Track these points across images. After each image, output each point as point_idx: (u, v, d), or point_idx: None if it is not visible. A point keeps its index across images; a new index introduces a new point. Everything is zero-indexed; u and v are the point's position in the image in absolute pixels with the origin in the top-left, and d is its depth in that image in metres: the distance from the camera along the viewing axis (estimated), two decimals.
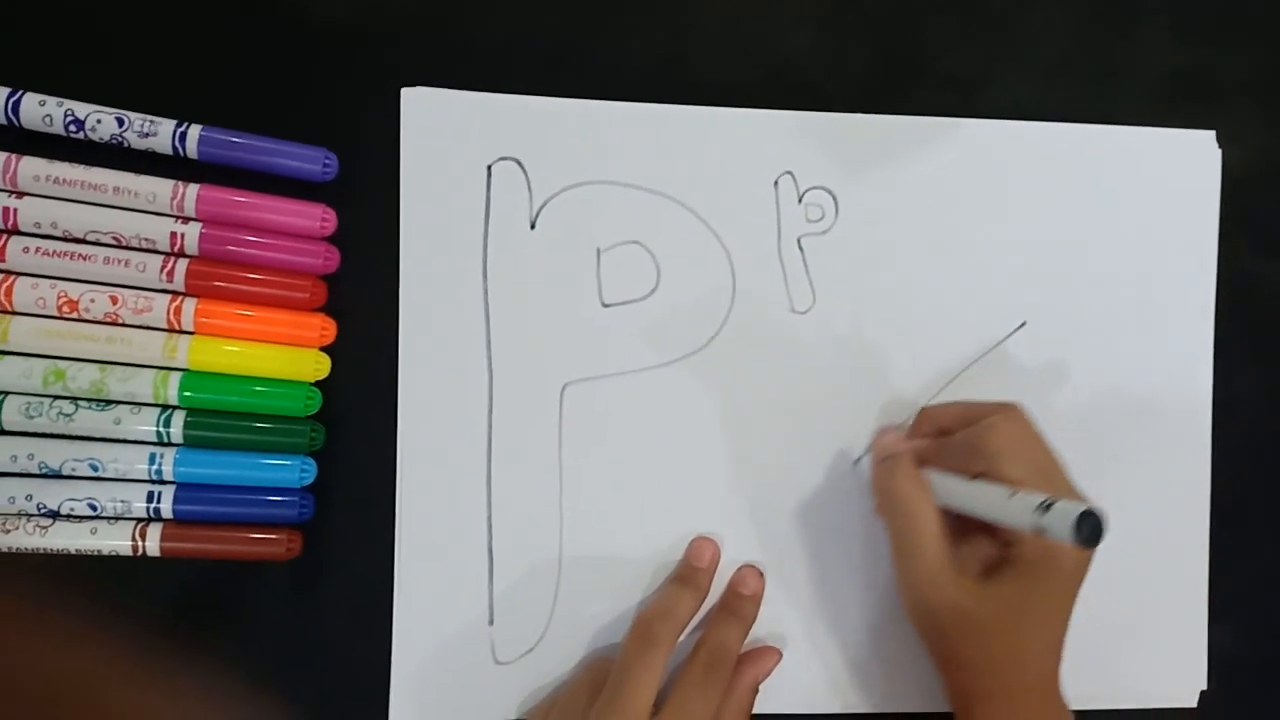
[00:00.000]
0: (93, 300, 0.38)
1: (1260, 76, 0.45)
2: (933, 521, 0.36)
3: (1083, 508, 0.30)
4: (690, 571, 0.40)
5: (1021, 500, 0.32)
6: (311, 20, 0.41)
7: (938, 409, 0.41)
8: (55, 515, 0.38)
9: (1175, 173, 0.44)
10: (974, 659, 0.35)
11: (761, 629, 0.41)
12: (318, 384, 0.39)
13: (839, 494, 0.42)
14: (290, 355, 0.39)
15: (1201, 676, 0.44)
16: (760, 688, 0.40)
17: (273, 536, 0.39)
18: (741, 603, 0.40)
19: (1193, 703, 0.44)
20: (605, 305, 0.41)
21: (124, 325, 0.38)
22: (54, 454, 0.37)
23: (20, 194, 0.38)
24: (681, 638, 0.39)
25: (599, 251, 0.41)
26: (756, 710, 0.40)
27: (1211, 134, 0.44)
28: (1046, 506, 0.31)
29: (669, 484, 0.41)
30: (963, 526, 0.37)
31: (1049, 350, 0.43)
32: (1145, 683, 0.44)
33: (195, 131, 0.38)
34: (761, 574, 0.41)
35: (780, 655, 0.41)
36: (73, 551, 0.37)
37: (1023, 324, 0.43)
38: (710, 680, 0.38)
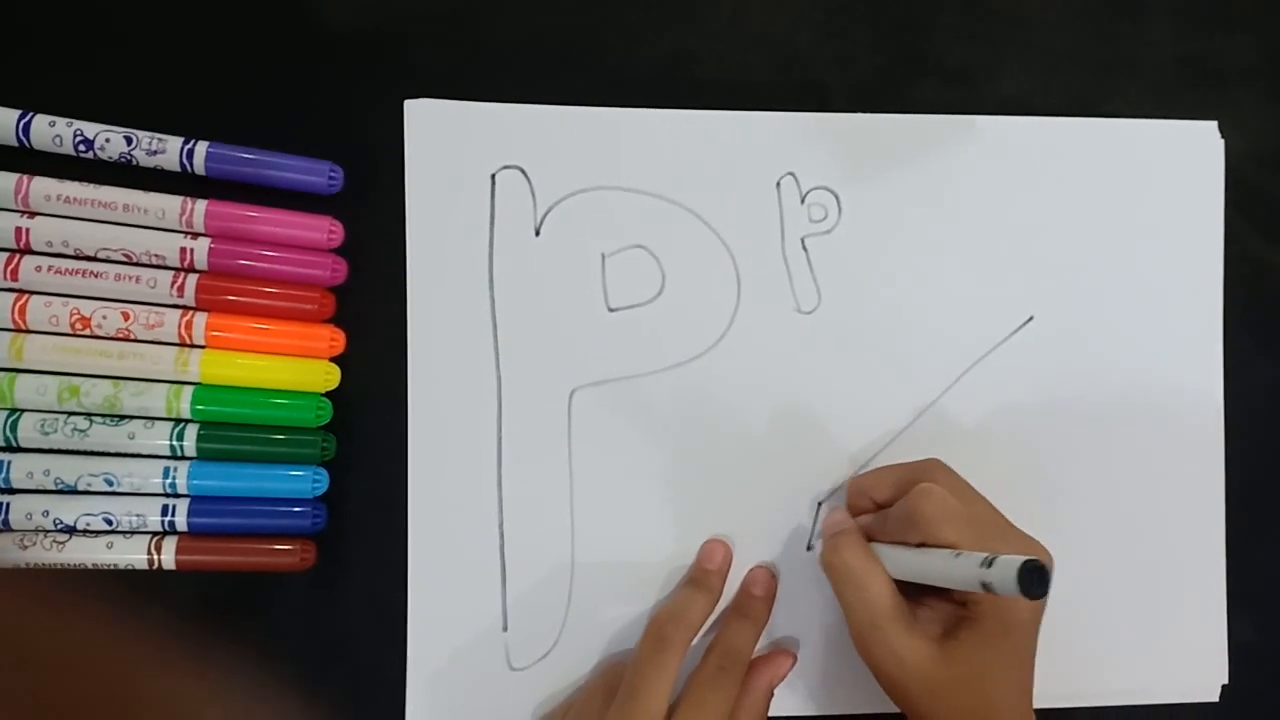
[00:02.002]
0: (105, 317, 0.38)
1: (1266, 62, 0.45)
2: (886, 591, 0.36)
3: (1022, 560, 0.30)
4: (702, 574, 0.40)
5: (965, 561, 0.32)
6: (316, 34, 0.41)
7: (866, 480, 0.40)
8: (72, 530, 0.38)
9: (1179, 164, 0.44)
10: (941, 715, 0.35)
11: (775, 632, 0.41)
12: (328, 394, 0.40)
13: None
14: (300, 366, 0.39)
15: (1223, 670, 0.43)
16: (775, 691, 0.40)
17: (287, 547, 0.39)
18: (754, 604, 0.40)
19: (1214, 697, 0.43)
20: (611, 310, 0.42)
21: (136, 341, 0.38)
22: (69, 470, 0.38)
23: (32, 214, 0.38)
24: (695, 640, 0.39)
25: (604, 256, 0.42)
26: (771, 713, 0.40)
27: (1214, 124, 0.44)
28: (989, 563, 0.31)
29: (680, 487, 0.42)
30: (918, 592, 0.36)
31: (1056, 345, 0.43)
32: (1166, 678, 0.43)
33: (202, 148, 0.39)
34: (774, 575, 0.41)
35: (795, 659, 0.41)
36: (89, 566, 0.38)
37: (1030, 319, 0.43)
38: (724, 681, 0.38)
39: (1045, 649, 0.42)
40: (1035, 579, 0.30)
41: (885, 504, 0.39)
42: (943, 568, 0.34)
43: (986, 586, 0.31)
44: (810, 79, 0.43)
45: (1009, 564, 0.30)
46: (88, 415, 0.38)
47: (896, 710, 0.42)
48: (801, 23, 0.43)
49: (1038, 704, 0.42)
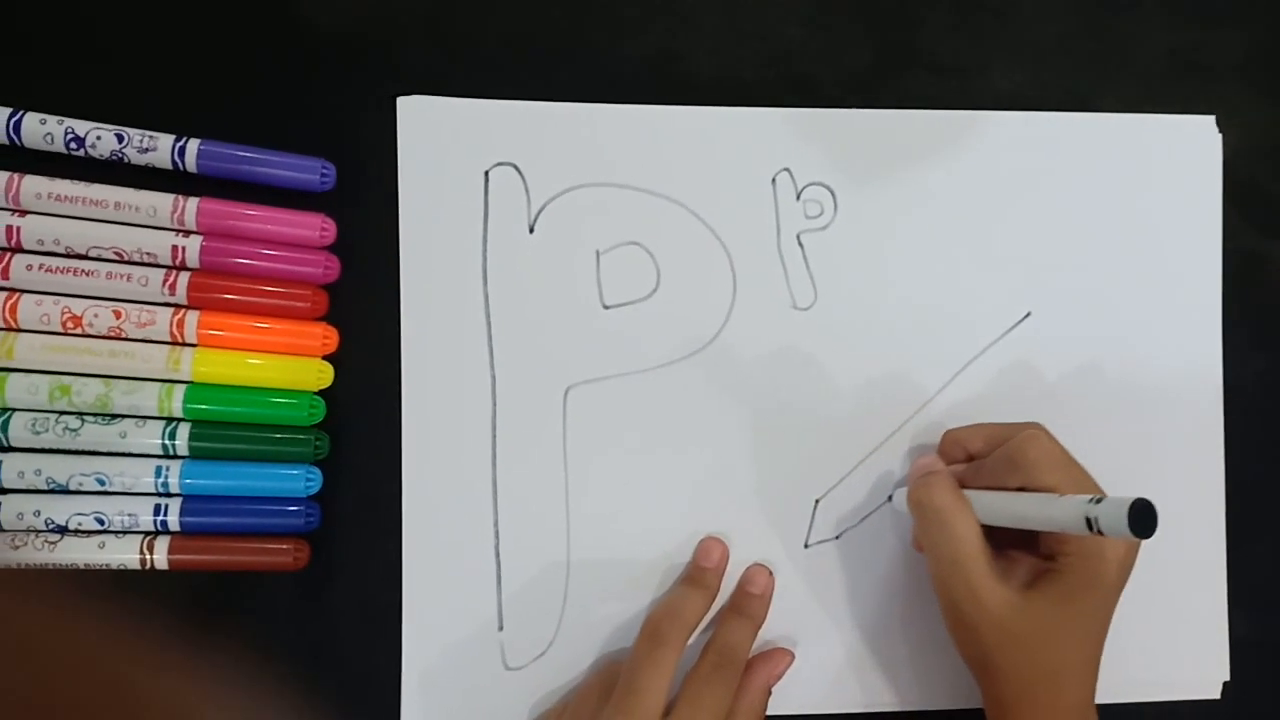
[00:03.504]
0: (96, 315, 0.38)
1: (1258, 56, 0.45)
2: (974, 534, 0.35)
3: (1133, 497, 0.30)
4: (699, 572, 0.40)
5: (1070, 500, 0.32)
6: (306, 32, 0.41)
7: (961, 432, 0.40)
8: (63, 530, 0.38)
9: (1176, 158, 0.44)
10: (1014, 672, 0.35)
11: (772, 630, 0.41)
12: (321, 393, 0.40)
13: (847, 490, 0.42)
14: (293, 365, 0.39)
15: (1224, 667, 0.43)
16: (773, 689, 0.40)
17: (280, 546, 0.39)
18: (751, 602, 0.40)
19: (1216, 694, 0.43)
20: (606, 307, 0.41)
21: (127, 339, 0.38)
22: (61, 469, 0.38)
23: (23, 212, 0.38)
24: (692, 639, 0.39)
25: (598, 254, 0.41)
26: (769, 711, 0.40)
27: (1211, 119, 0.44)
28: (1097, 501, 0.31)
29: (675, 484, 0.41)
30: (1002, 544, 0.36)
31: (1055, 341, 0.43)
32: (1168, 675, 0.43)
33: (194, 145, 0.39)
34: (771, 573, 0.41)
35: (792, 657, 0.41)
36: (81, 566, 0.38)
37: (1027, 315, 0.43)
38: (721, 679, 0.37)
39: None
40: (1146, 517, 0.29)
41: (977, 455, 0.39)
42: (1044, 508, 0.33)
43: (1092, 523, 0.31)
44: (800, 73, 0.43)
45: (1119, 502, 0.30)
46: (79, 414, 0.38)
47: (893, 709, 0.42)
48: (791, 17, 0.43)
49: None
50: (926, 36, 0.44)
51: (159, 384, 0.38)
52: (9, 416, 0.38)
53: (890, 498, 0.42)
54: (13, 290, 0.38)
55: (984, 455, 0.38)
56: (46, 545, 0.37)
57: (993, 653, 0.35)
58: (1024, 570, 0.36)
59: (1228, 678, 0.43)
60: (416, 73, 0.41)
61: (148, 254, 0.38)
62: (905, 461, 0.42)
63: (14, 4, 0.40)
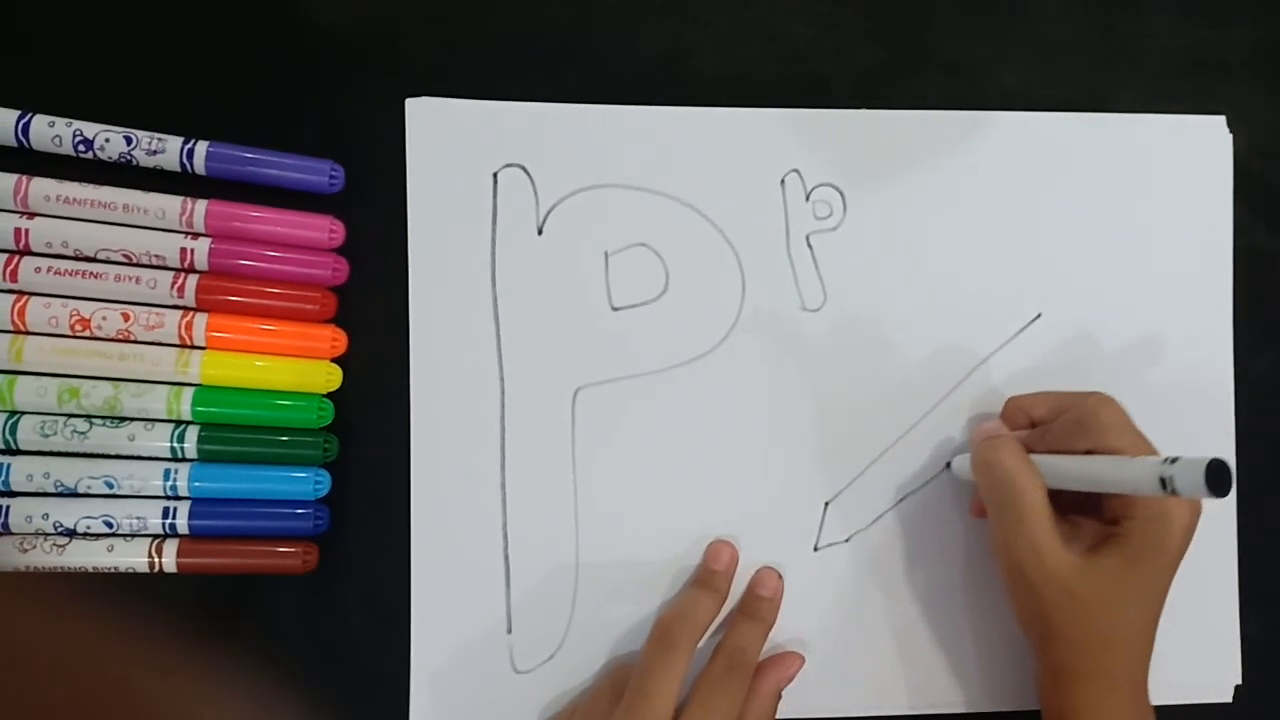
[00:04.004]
0: (105, 318, 0.38)
1: (1270, 55, 0.45)
2: (1038, 494, 0.35)
3: (1210, 457, 0.30)
4: (708, 574, 0.40)
5: (1143, 462, 0.32)
6: (315, 33, 0.41)
7: (1025, 399, 0.40)
8: (72, 533, 0.38)
9: (1187, 159, 0.44)
10: (1072, 635, 0.35)
11: (782, 632, 0.41)
12: (330, 395, 0.39)
13: (857, 492, 0.42)
14: (302, 367, 0.39)
15: (1236, 670, 0.43)
16: (783, 693, 0.40)
17: (289, 549, 0.39)
18: (761, 604, 0.40)
19: (1228, 697, 0.43)
20: (615, 309, 0.41)
21: (136, 342, 0.38)
22: (69, 472, 0.38)
23: (31, 214, 0.38)
24: (702, 642, 0.39)
25: (607, 255, 0.41)
26: (779, 715, 0.40)
27: (1222, 119, 0.44)
28: (1173, 460, 0.31)
29: (685, 487, 0.41)
30: (1064, 510, 0.36)
31: (1066, 342, 0.43)
32: (1179, 677, 0.43)
33: (202, 148, 0.39)
34: (780, 575, 0.41)
35: (802, 660, 0.40)
36: (90, 569, 0.38)
37: (1038, 316, 0.43)
38: (731, 682, 0.37)
39: None
40: (1221, 476, 0.29)
41: (1040, 422, 0.39)
42: (1114, 470, 0.33)
43: (1166, 483, 0.31)
44: (810, 73, 0.43)
45: (1195, 461, 0.30)
46: (88, 417, 0.38)
47: (904, 713, 0.42)
48: (801, 16, 0.43)
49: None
50: (937, 36, 0.43)
51: (167, 387, 0.38)
52: (17, 419, 0.38)
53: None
54: (21, 293, 0.38)
55: (1047, 421, 0.39)
56: (55, 548, 0.37)
57: (1053, 615, 0.35)
58: (1087, 535, 0.36)
59: (1239, 681, 0.43)
60: (425, 74, 0.41)
61: (156, 256, 0.38)
62: (925, 457, 0.42)
63: (20, 6, 0.40)
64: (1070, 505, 0.37)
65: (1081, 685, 0.35)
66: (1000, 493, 0.36)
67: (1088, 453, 0.36)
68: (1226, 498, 0.30)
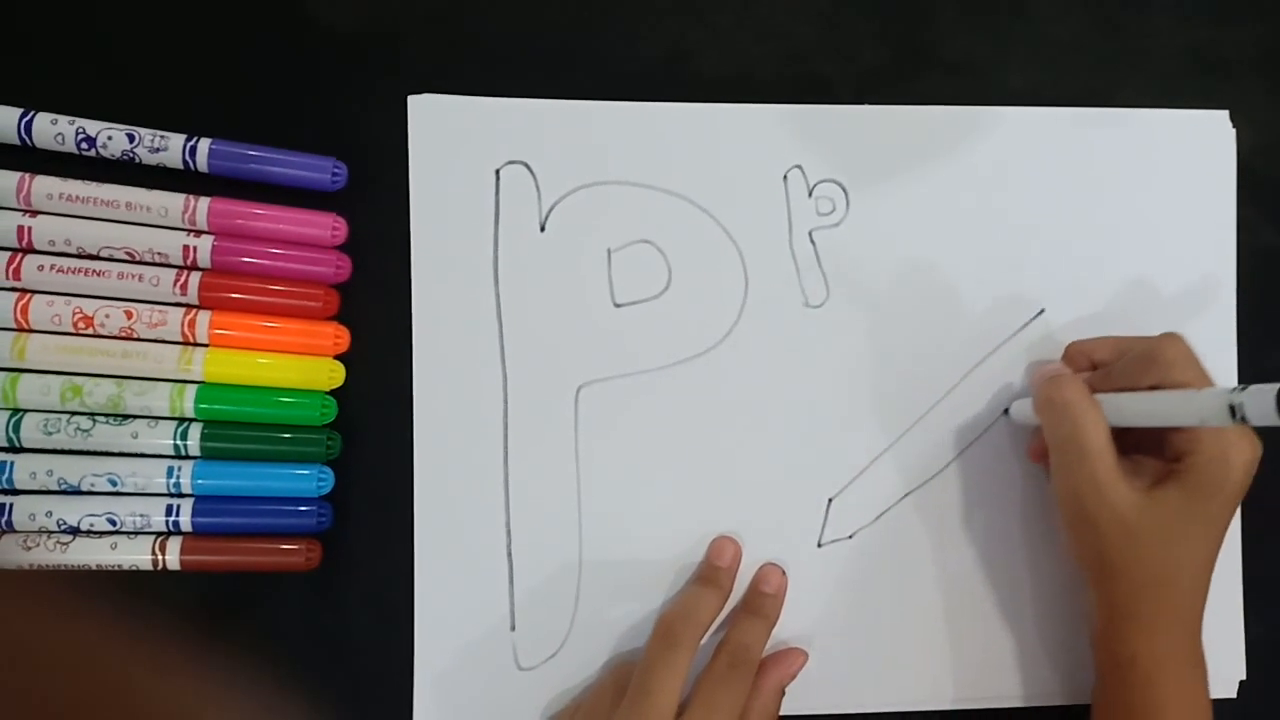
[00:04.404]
0: (108, 315, 0.38)
1: (1274, 52, 0.45)
2: (1101, 429, 0.36)
3: None
4: (712, 571, 0.40)
5: (1212, 391, 0.32)
6: (316, 30, 0.41)
7: (1087, 343, 0.41)
8: (75, 531, 0.38)
9: (1190, 154, 0.44)
10: (1131, 573, 0.35)
11: (785, 629, 0.41)
12: (333, 392, 0.39)
13: (861, 488, 0.42)
14: (305, 364, 0.39)
15: (1240, 666, 0.43)
16: (787, 689, 0.40)
17: (292, 547, 0.39)
18: (764, 601, 0.40)
19: (1233, 693, 0.43)
20: (618, 305, 0.41)
21: (139, 340, 0.38)
22: (73, 470, 0.38)
23: (34, 213, 0.38)
24: (705, 639, 0.38)
25: (609, 252, 0.41)
26: (783, 711, 0.40)
27: (1225, 114, 0.44)
28: (1243, 389, 0.31)
29: (688, 483, 0.41)
30: (1125, 449, 0.37)
31: (1068, 338, 0.43)
32: None
33: (205, 145, 0.39)
34: (784, 572, 0.41)
35: (806, 656, 0.40)
36: (93, 567, 0.38)
37: (1041, 312, 0.43)
38: (734, 679, 0.37)
39: (1058, 645, 0.42)
40: None
41: (1102, 364, 0.39)
42: (1182, 403, 0.34)
43: (1235, 411, 0.31)
44: (814, 71, 0.43)
45: (1266, 388, 0.30)
46: (91, 415, 0.38)
47: (907, 709, 0.42)
48: (804, 15, 0.43)
49: (1054, 700, 0.42)
50: (940, 34, 0.43)
51: (171, 384, 0.38)
52: (21, 417, 0.38)
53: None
54: (24, 291, 0.38)
55: (1109, 364, 0.39)
56: (58, 546, 0.37)
57: (1112, 552, 0.35)
58: (1149, 472, 0.36)
59: (1244, 677, 0.43)
60: (428, 71, 0.41)
61: (159, 254, 0.38)
62: (928, 453, 0.42)
63: (23, 5, 0.40)
64: (1131, 445, 0.37)
65: (1138, 624, 0.36)
66: (1063, 428, 0.36)
67: (1152, 389, 0.36)
68: None
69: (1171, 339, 0.37)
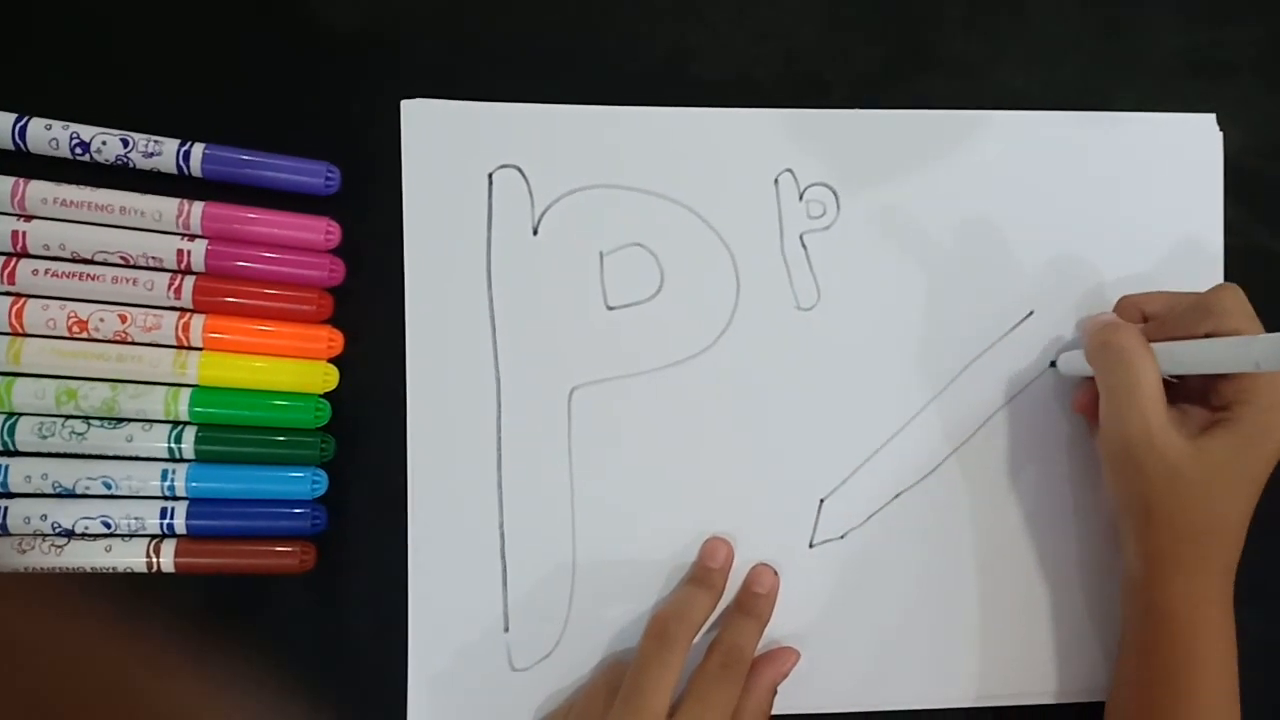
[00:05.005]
0: (102, 319, 0.38)
1: (1269, 53, 0.45)
2: (1154, 374, 0.36)
3: None
4: (704, 572, 0.40)
5: (1269, 338, 0.32)
6: (310, 35, 0.41)
7: (1139, 297, 0.41)
8: (70, 534, 0.38)
9: (1177, 156, 0.44)
10: (1174, 518, 0.36)
11: (777, 629, 0.41)
12: (326, 395, 0.40)
13: (852, 489, 0.42)
14: (299, 368, 0.39)
15: None
16: (779, 688, 0.40)
17: (286, 549, 0.39)
18: (756, 601, 0.40)
19: None
20: (610, 308, 0.41)
21: (133, 343, 0.38)
22: (67, 473, 0.38)
23: (29, 217, 0.38)
24: (697, 639, 0.39)
25: (602, 255, 0.42)
26: (775, 711, 0.40)
27: (1212, 117, 0.44)
28: None
29: (680, 485, 0.41)
30: (1174, 398, 0.37)
31: (1057, 340, 0.43)
32: None
33: (199, 150, 0.39)
34: (776, 572, 0.41)
35: (798, 655, 0.41)
36: (88, 570, 0.38)
37: (1030, 314, 0.43)
38: (726, 678, 0.37)
39: (1050, 643, 0.42)
40: None
41: (1154, 317, 0.40)
42: (1237, 348, 0.34)
43: None
44: (811, 74, 0.43)
45: None
46: (85, 418, 0.38)
47: (899, 708, 0.42)
48: (802, 17, 0.43)
49: (1038, 700, 0.42)
50: (938, 36, 0.44)
51: (165, 388, 0.38)
52: (15, 421, 0.38)
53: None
54: (19, 295, 0.38)
55: (1162, 317, 0.39)
56: (53, 549, 0.38)
57: (1157, 497, 0.36)
58: (1196, 420, 0.37)
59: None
60: (422, 75, 0.41)
61: (153, 258, 0.38)
62: (919, 454, 0.42)
63: (17, 9, 0.40)
64: (1179, 395, 0.37)
65: (1177, 572, 0.36)
66: (1116, 374, 0.36)
67: (1207, 335, 0.36)
68: None
69: (1228, 289, 0.37)
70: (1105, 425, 0.37)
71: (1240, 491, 0.36)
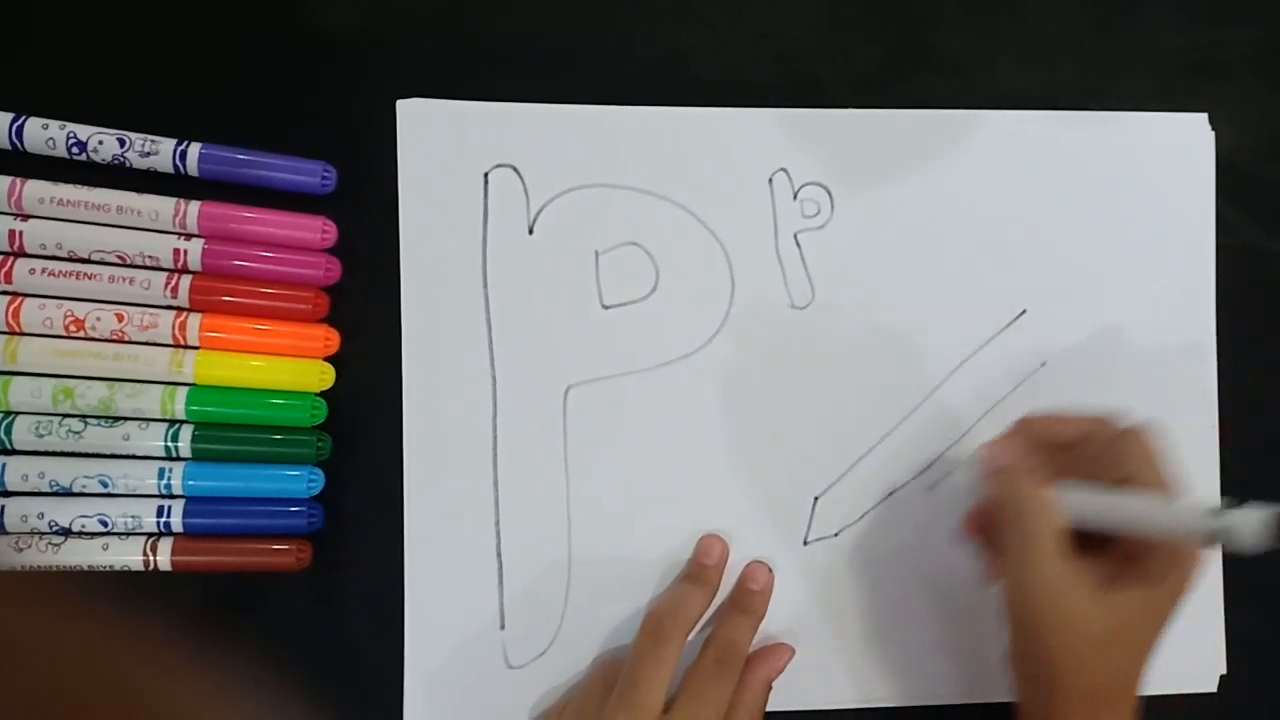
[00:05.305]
0: (99, 318, 0.38)
1: (1263, 53, 0.45)
2: (1058, 530, 0.34)
3: (1274, 508, 0.28)
4: (699, 569, 0.40)
5: (1188, 506, 0.31)
6: (307, 34, 0.41)
7: (1047, 421, 0.38)
8: (67, 532, 0.38)
9: (1169, 156, 0.44)
10: (1073, 679, 0.33)
11: (772, 626, 0.41)
12: (323, 394, 0.40)
13: (847, 487, 0.42)
14: (295, 366, 0.39)
15: (1220, 660, 0.43)
16: (774, 685, 0.40)
17: (283, 547, 0.39)
18: (751, 598, 0.40)
19: (1212, 687, 0.43)
20: (605, 307, 0.42)
21: (130, 342, 0.38)
22: (64, 472, 0.38)
23: (26, 216, 0.38)
24: (692, 635, 0.39)
25: (597, 254, 0.42)
26: (769, 707, 0.40)
27: (1204, 117, 0.45)
28: (1223, 511, 0.29)
29: (675, 483, 0.42)
30: (1077, 541, 0.35)
31: (1050, 338, 0.43)
32: (1163, 668, 0.42)
33: (195, 149, 0.39)
34: (770, 569, 0.41)
35: (793, 652, 0.41)
36: (85, 568, 0.38)
37: (1023, 313, 0.43)
38: (721, 674, 0.38)
39: None
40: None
41: (1063, 444, 0.37)
42: (1157, 508, 0.32)
43: (1216, 535, 0.29)
44: (808, 73, 0.43)
45: (1254, 514, 0.28)
46: (82, 417, 0.38)
47: (893, 704, 0.42)
48: (797, 17, 0.43)
49: None
50: (934, 36, 0.44)
51: (162, 386, 0.38)
52: (12, 420, 0.38)
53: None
54: (16, 294, 0.38)
55: (1070, 444, 0.37)
56: (50, 547, 0.38)
57: (1054, 654, 0.33)
58: (1101, 570, 0.34)
59: (1224, 671, 0.43)
60: (418, 75, 0.41)
61: (150, 257, 0.38)
62: (913, 452, 0.42)
63: (14, 7, 0.40)
64: (1083, 539, 0.35)
65: None
66: (1017, 529, 0.35)
67: (1122, 481, 0.34)
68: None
69: (1141, 431, 0.35)
70: (1007, 579, 0.35)
71: (1145, 644, 0.34)
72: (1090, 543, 0.35)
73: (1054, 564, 0.34)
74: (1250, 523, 0.28)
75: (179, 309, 0.39)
